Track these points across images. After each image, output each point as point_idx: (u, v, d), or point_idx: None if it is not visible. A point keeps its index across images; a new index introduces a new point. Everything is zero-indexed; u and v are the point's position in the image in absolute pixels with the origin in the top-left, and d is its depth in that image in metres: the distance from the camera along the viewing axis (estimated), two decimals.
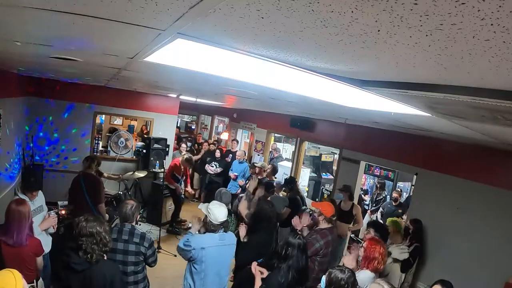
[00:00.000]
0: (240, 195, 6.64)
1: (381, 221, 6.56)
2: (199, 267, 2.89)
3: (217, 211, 2.97)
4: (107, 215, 4.59)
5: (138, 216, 2.99)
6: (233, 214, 4.20)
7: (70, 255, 2.34)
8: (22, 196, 3.15)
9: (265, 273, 3.01)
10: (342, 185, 5.35)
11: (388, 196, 7.45)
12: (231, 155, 8.22)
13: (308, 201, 6.53)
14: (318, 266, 3.39)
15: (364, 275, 2.80)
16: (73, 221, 2.57)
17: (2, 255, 2.47)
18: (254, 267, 3.02)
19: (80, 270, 2.30)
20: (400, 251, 3.84)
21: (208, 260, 2.89)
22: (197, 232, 3.04)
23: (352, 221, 5.15)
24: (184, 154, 6.71)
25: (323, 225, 3.64)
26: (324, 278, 2.43)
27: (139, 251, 2.80)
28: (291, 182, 5.49)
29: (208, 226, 2.97)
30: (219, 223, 2.96)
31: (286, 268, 2.71)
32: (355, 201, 5.69)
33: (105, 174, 5.74)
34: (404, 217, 5.59)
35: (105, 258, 2.46)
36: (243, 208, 4.09)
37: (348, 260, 3.03)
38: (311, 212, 4.32)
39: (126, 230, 2.81)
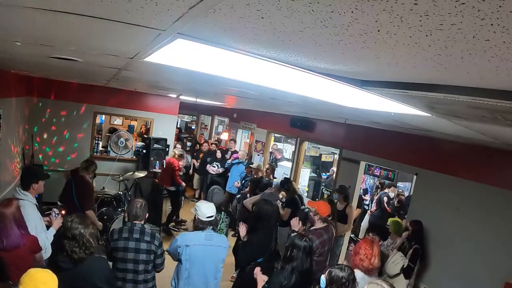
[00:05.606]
0: (237, 196, 6.68)
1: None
2: (183, 266, 2.88)
3: (204, 207, 2.98)
4: (102, 224, 4.57)
5: (147, 215, 3.00)
6: (222, 212, 4.18)
7: (57, 253, 2.36)
8: (23, 195, 3.14)
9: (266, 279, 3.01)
10: (338, 186, 5.36)
11: None
12: (230, 152, 8.26)
13: (307, 201, 6.53)
14: (316, 266, 3.39)
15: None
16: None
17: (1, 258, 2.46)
18: (257, 272, 3.01)
19: (67, 268, 2.32)
20: (393, 266, 3.76)
21: (191, 259, 2.87)
22: None
23: (347, 221, 5.12)
24: (176, 151, 6.89)
25: (319, 224, 3.64)
26: (323, 277, 2.43)
27: (150, 249, 2.82)
28: (286, 183, 5.51)
29: (196, 224, 2.98)
30: (207, 219, 2.95)
31: (290, 270, 2.70)
32: (355, 201, 5.69)
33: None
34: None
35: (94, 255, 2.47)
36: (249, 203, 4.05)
37: None
38: (307, 210, 4.32)
39: (137, 229, 2.83)
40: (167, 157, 7.01)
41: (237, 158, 7.59)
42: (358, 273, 2.81)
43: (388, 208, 6.82)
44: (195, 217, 3.03)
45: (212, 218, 3.01)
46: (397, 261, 3.78)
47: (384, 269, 3.77)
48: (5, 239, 2.50)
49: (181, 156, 6.82)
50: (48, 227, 3.28)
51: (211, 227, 3.00)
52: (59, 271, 2.30)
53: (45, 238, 3.02)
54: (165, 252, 3.06)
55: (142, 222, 2.92)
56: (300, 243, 2.77)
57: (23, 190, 3.19)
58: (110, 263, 2.87)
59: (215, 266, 3.03)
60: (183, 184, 7.01)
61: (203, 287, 2.96)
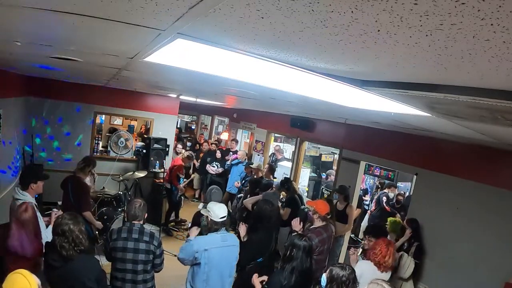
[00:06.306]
0: (238, 195, 6.67)
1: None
2: (201, 269, 2.86)
3: (216, 208, 2.99)
4: (101, 225, 4.54)
5: (146, 215, 2.99)
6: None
7: (48, 252, 2.37)
8: (22, 195, 3.14)
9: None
10: (338, 186, 5.36)
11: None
12: (231, 153, 8.26)
13: (307, 200, 6.53)
14: (315, 265, 3.39)
15: (363, 265, 3.02)
16: None
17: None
18: (254, 279, 3.01)
19: (58, 266, 2.32)
20: (406, 269, 3.82)
21: (210, 262, 2.87)
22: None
23: (347, 221, 5.12)
24: (184, 152, 7.02)
25: (318, 223, 3.65)
26: (324, 275, 2.43)
27: (149, 249, 2.82)
28: (286, 183, 5.51)
29: (211, 226, 2.97)
30: (220, 219, 2.96)
31: (289, 270, 2.70)
32: (355, 201, 5.69)
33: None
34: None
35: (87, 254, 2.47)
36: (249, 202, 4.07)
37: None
38: (307, 210, 4.33)
39: (135, 229, 2.83)
40: (174, 157, 7.14)
41: (237, 158, 7.59)
42: (370, 266, 3.07)
43: (387, 208, 6.84)
44: (207, 220, 3.01)
45: (225, 219, 3.02)
46: (407, 263, 3.84)
47: (397, 273, 3.81)
48: (26, 245, 2.51)
49: (188, 158, 6.91)
50: (48, 227, 3.28)
51: (224, 227, 3.01)
52: (50, 270, 2.31)
53: (45, 238, 3.02)
54: (165, 252, 3.05)
55: (141, 222, 2.92)
56: (300, 243, 2.77)
57: (21, 190, 3.19)
58: (110, 263, 2.87)
59: (230, 265, 3.06)
60: (180, 187, 6.93)
61: (220, 287, 2.98)
